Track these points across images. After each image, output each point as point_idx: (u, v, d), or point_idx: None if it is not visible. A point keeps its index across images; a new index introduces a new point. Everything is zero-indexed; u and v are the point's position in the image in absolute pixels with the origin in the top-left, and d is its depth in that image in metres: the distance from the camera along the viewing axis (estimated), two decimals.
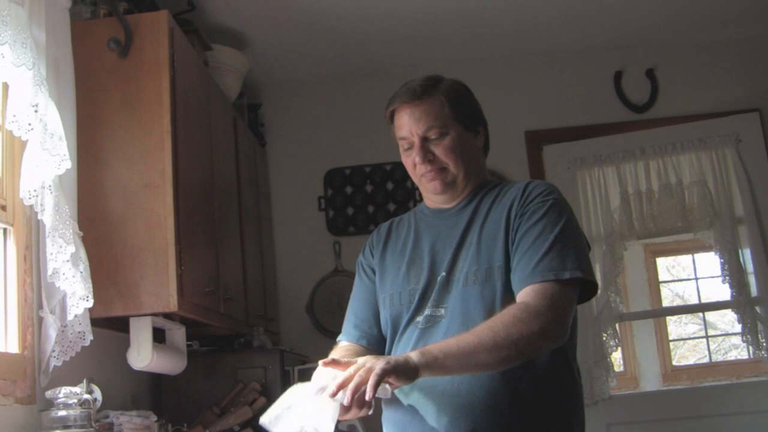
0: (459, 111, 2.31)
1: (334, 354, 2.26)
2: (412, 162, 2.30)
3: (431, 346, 1.95)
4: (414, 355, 1.89)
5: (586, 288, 2.14)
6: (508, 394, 2.06)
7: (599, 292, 2.32)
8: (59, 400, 2.67)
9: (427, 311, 2.19)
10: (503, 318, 1.98)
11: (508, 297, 2.10)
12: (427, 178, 2.30)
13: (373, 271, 2.42)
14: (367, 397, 1.78)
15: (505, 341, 1.93)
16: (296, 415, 1.91)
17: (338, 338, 2.41)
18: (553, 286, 2.04)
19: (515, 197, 2.23)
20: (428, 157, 2.27)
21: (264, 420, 1.96)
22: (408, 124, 2.29)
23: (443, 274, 2.21)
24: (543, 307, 2.00)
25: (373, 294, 2.40)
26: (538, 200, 2.19)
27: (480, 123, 2.39)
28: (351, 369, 1.85)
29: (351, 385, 1.80)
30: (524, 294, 2.05)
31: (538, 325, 1.97)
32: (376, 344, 2.33)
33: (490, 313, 2.07)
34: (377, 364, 1.82)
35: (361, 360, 1.88)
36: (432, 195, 2.35)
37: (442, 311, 2.16)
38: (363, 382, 1.79)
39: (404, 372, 1.85)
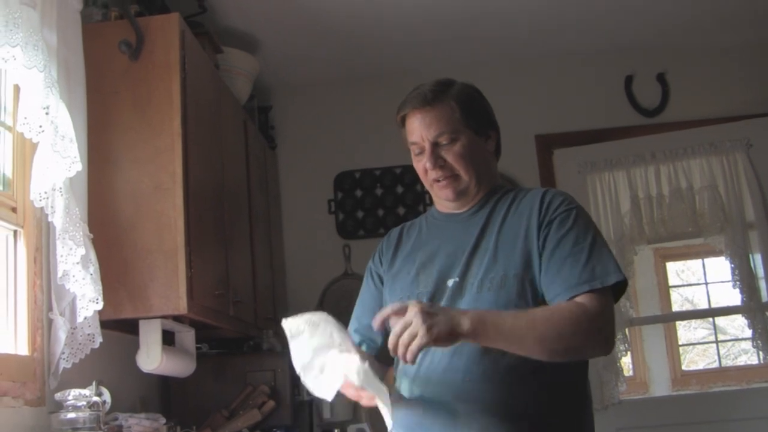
0: (470, 116, 2.30)
1: None
2: (423, 167, 2.30)
3: (487, 321, 1.93)
4: (466, 327, 1.89)
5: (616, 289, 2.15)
6: (520, 399, 2.05)
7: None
8: (68, 402, 2.68)
9: None
10: (561, 313, 1.99)
11: (522, 305, 2.09)
12: (440, 185, 2.30)
13: (380, 278, 2.43)
14: (409, 360, 1.86)
15: (555, 336, 1.95)
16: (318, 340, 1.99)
17: None
18: (601, 295, 2.05)
19: (533, 206, 2.22)
20: (439, 162, 2.27)
21: (286, 325, 2.02)
22: (419, 130, 2.28)
23: (456, 279, 2.19)
24: (598, 313, 2.01)
25: (376, 300, 2.40)
26: (561, 209, 2.19)
27: (491, 127, 2.38)
28: (397, 327, 1.87)
29: (400, 351, 1.86)
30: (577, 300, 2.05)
31: (592, 331, 2.00)
32: (375, 350, 2.33)
33: None
34: (420, 330, 1.84)
35: (408, 315, 1.87)
36: (443, 201, 2.36)
37: None
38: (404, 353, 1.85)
39: (446, 341, 1.89)
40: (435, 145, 2.27)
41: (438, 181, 2.29)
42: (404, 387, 2.20)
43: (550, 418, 2.08)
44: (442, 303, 2.18)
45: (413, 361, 1.86)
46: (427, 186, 2.37)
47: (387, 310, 1.94)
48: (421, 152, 2.30)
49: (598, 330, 2.02)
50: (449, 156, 2.27)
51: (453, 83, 2.34)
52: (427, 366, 2.12)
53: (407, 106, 2.32)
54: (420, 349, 1.84)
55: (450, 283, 2.20)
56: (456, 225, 2.32)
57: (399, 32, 4.76)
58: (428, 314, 1.86)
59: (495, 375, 2.03)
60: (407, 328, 1.85)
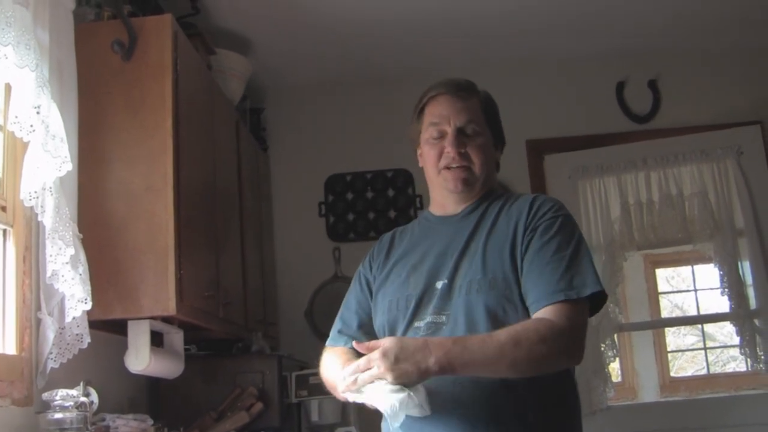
0: (491, 121, 2.36)
1: (329, 357, 2.32)
2: (439, 150, 2.31)
3: (454, 359, 1.93)
4: (433, 369, 1.91)
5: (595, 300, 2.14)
6: (510, 405, 2.05)
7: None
8: (56, 403, 2.67)
9: (428, 318, 2.17)
10: (528, 334, 1.98)
11: (511, 308, 2.10)
12: (451, 172, 2.30)
13: (368, 283, 2.43)
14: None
15: (525, 358, 1.95)
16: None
17: (327, 342, 2.44)
18: (575, 306, 2.05)
19: (522, 211, 2.22)
20: (461, 149, 2.28)
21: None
22: (447, 112, 2.30)
23: (445, 281, 2.19)
24: (566, 328, 2.01)
25: (362, 305, 2.41)
26: (548, 215, 2.19)
27: (502, 141, 2.43)
28: (357, 366, 1.91)
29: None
30: (547, 312, 2.04)
31: (560, 346, 2.00)
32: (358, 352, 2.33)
33: (493, 323, 2.07)
34: (381, 375, 1.87)
35: (376, 353, 1.90)
36: (445, 192, 2.34)
37: (444, 318, 2.15)
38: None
39: (413, 383, 1.90)
40: (459, 132, 2.29)
41: (449, 168, 2.30)
42: None
43: (538, 423, 2.08)
44: (433, 304, 2.18)
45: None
46: (432, 174, 2.36)
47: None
48: (441, 135, 2.31)
49: (566, 347, 2.02)
50: (471, 146, 2.29)
51: (478, 87, 2.39)
52: None
53: (440, 87, 2.34)
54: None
55: (439, 285, 2.20)
56: (447, 227, 2.32)
57: (392, 35, 4.76)
58: (395, 362, 1.88)
59: (482, 380, 2.03)
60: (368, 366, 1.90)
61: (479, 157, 2.29)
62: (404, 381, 1.88)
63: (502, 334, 1.98)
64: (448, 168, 2.30)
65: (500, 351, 1.94)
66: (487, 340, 1.97)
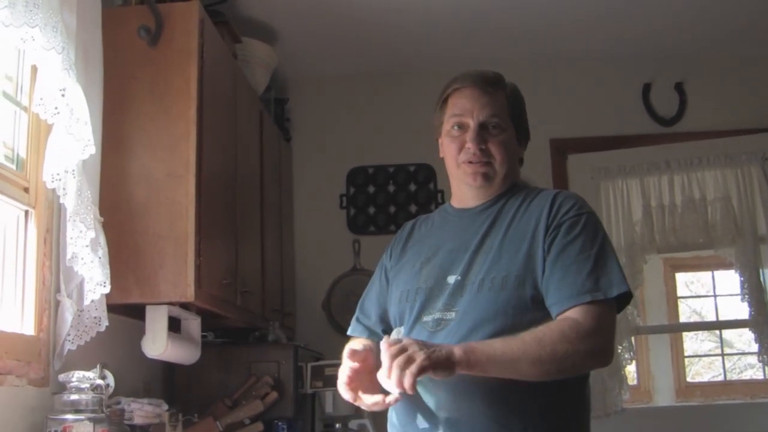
0: (516, 116, 2.32)
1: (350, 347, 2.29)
2: (460, 144, 2.28)
3: (476, 347, 1.92)
4: (458, 353, 1.88)
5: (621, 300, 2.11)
6: (510, 407, 2.03)
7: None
8: (72, 384, 2.69)
9: (437, 314, 2.15)
10: (552, 333, 1.95)
11: (521, 306, 2.07)
12: (471, 166, 2.26)
13: (386, 272, 2.43)
14: (407, 388, 1.81)
15: (549, 357, 1.92)
16: None
17: (348, 331, 2.45)
18: (602, 307, 2.02)
19: (543, 209, 2.19)
20: (481, 145, 2.25)
21: None
22: (471, 105, 2.27)
23: (458, 277, 2.17)
24: (593, 328, 1.98)
25: (381, 294, 2.41)
26: (571, 213, 2.16)
27: (526, 137, 2.39)
28: (393, 350, 1.85)
29: (394, 379, 1.81)
30: (574, 312, 2.01)
31: (586, 346, 1.96)
32: (377, 341, 2.32)
33: (501, 322, 2.05)
34: (418, 355, 1.82)
35: (404, 342, 1.87)
36: (464, 186, 2.32)
37: (452, 314, 2.12)
38: (401, 376, 1.81)
39: (443, 368, 1.86)
40: (482, 127, 2.25)
41: (470, 162, 2.27)
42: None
43: (543, 422, 2.05)
44: (442, 300, 2.16)
45: (412, 388, 1.82)
46: (453, 168, 2.34)
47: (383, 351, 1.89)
48: (462, 128, 2.28)
49: (593, 346, 1.98)
50: (492, 142, 2.26)
51: (505, 80, 2.35)
52: None
53: (466, 80, 2.30)
54: (420, 371, 1.81)
55: (451, 280, 2.18)
56: (464, 221, 2.30)
57: (418, 29, 4.75)
58: (424, 343, 1.86)
59: (485, 384, 2.00)
60: (403, 352, 1.85)
61: (501, 154, 2.26)
62: (435, 361, 1.84)
63: (525, 333, 1.96)
64: (468, 162, 2.27)
65: (523, 347, 1.92)
66: (509, 338, 1.95)
